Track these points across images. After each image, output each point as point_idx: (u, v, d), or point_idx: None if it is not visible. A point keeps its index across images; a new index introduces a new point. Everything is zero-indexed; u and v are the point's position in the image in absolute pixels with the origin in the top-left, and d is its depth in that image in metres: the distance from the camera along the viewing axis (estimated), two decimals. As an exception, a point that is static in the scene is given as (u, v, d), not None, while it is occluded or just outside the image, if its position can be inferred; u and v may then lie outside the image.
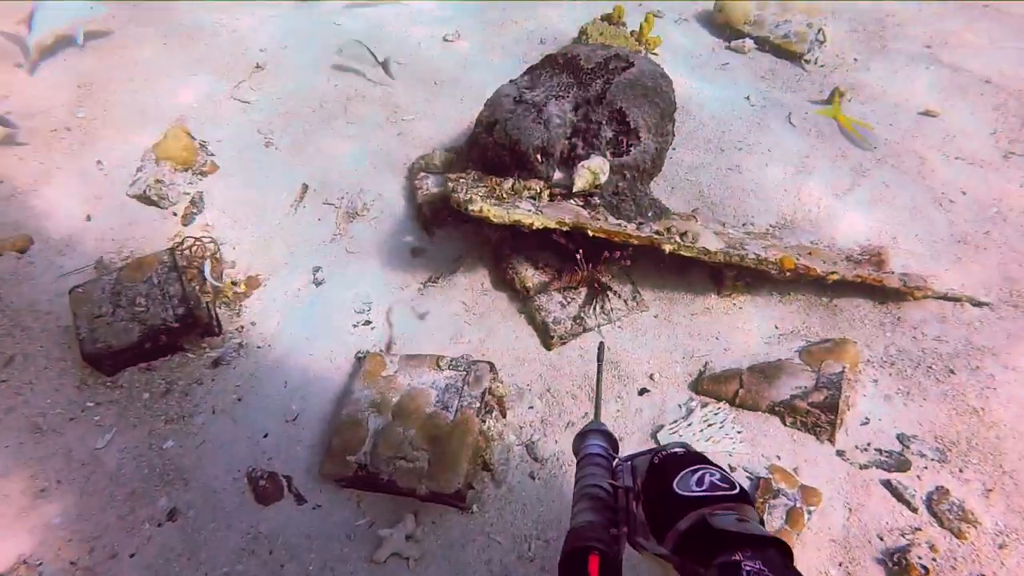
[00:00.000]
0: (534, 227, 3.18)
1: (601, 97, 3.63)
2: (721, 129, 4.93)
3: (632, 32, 5.40)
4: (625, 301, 3.89)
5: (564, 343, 3.76)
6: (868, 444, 3.27)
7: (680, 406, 3.55)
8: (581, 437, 1.93)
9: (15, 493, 3.24)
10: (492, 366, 3.42)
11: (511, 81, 4.10)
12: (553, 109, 3.67)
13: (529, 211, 3.26)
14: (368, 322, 3.92)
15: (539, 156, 3.59)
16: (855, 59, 5.67)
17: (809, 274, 3.67)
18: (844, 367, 3.43)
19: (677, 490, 1.34)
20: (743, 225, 4.40)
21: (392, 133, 5.00)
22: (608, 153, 3.59)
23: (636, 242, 3.39)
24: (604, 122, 3.61)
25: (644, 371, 3.71)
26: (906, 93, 5.26)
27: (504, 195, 3.44)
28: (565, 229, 3.27)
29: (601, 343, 3.10)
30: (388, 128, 5.04)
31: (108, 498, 3.26)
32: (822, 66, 5.61)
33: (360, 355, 3.75)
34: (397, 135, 4.99)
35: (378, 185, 4.65)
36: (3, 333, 3.79)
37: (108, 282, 3.78)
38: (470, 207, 3.13)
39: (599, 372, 2.95)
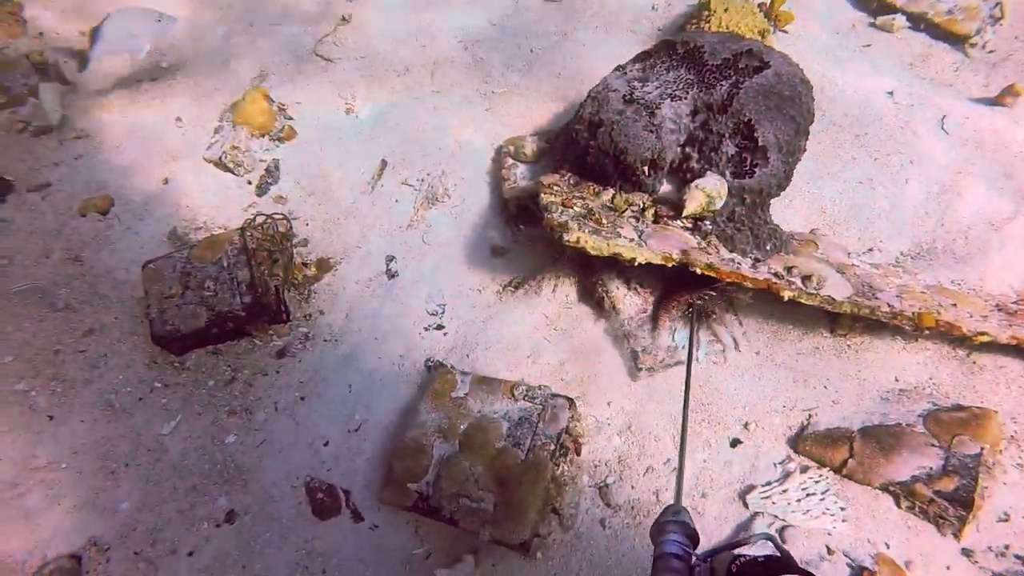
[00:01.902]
0: (636, 262, 2.78)
1: (727, 104, 3.10)
2: (855, 131, 4.25)
3: (760, 4, 4.67)
4: (725, 334, 3.47)
5: (652, 375, 3.41)
6: (1006, 548, 2.80)
7: (776, 465, 3.17)
8: (658, 529, 1.79)
9: (88, 472, 3.25)
10: (572, 402, 3.12)
11: (619, 69, 3.59)
12: (667, 111, 3.17)
13: (631, 242, 2.85)
14: (441, 326, 3.66)
15: (647, 169, 3.13)
16: (1037, 44, 4.73)
17: (952, 333, 3.13)
18: (982, 449, 2.93)
19: None
20: (868, 251, 3.82)
21: (480, 108, 4.57)
22: (727, 172, 3.09)
23: (751, 285, 2.94)
24: (727, 135, 3.09)
25: (738, 417, 3.32)
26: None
27: (602, 212, 3.02)
28: (671, 265, 2.85)
29: (685, 407, 2.72)
30: (476, 101, 4.61)
31: (171, 490, 3.23)
32: (991, 52, 4.72)
33: (430, 363, 3.52)
34: (485, 110, 4.56)
35: (461, 167, 4.29)
36: (83, 301, 3.77)
37: (179, 260, 3.66)
38: (566, 236, 2.75)
39: (683, 442, 2.61)
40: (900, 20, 4.87)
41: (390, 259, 3.94)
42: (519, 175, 3.91)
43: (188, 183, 4.28)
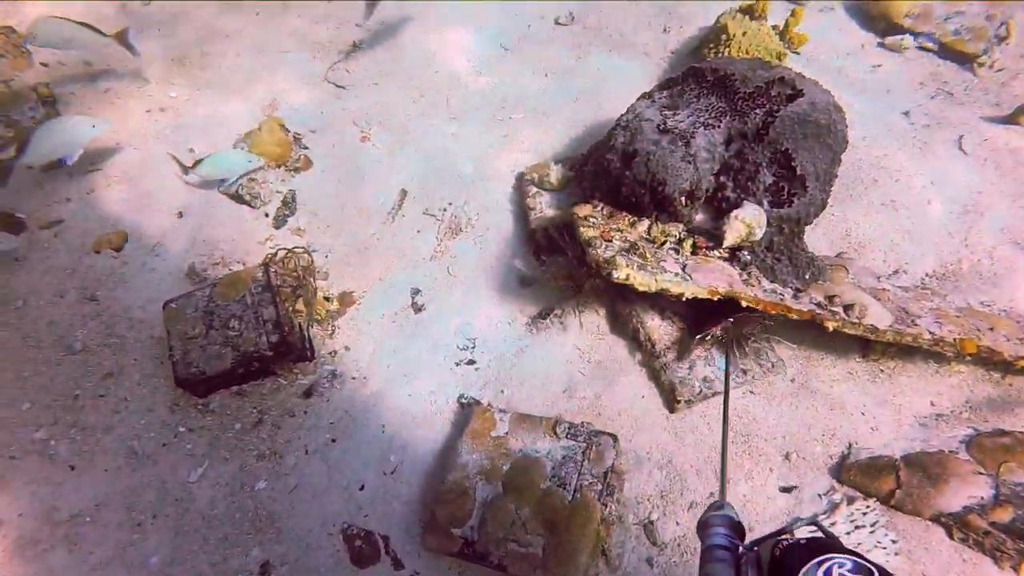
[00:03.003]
0: (684, 297, 2.74)
1: (762, 133, 3.08)
2: (874, 153, 4.27)
3: (774, 26, 4.69)
4: (759, 361, 3.44)
5: (690, 407, 3.36)
6: (1060, 579, 2.79)
7: (821, 496, 3.12)
8: (704, 523, 1.80)
9: (113, 524, 3.13)
10: (616, 439, 3.06)
11: (647, 97, 3.56)
12: (701, 140, 3.15)
13: (676, 276, 2.81)
14: (472, 361, 3.60)
15: (684, 200, 3.10)
16: (1044, 63, 4.80)
17: (993, 359, 3.12)
18: (1030, 476, 2.92)
19: None
20: (894, 273, 3.83)
21: (498, 134, 4.54)
22: (765, 201, 3.07)
23: (796, 317, 2.91)
24: (764, 164, 3.07)
25: (778, 447, 3.29)
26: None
27: (644, 246, 2.98)
28: (716, 299, 2.82)
29: (725, 408, 2.70)
30: (493, 128, 4.58)
31: (201, 541, 3.11)
32: (1000, 71, 4.79)
33: (464, 400, 3.45)
34: (503, 136, 4.53)
35: (483, 195, 4.24)
36: (100, 342, 3.65)
37: (201, 299, 3.55)
38: (615, 274, 2.71)
39: (724, 444, 2.62)
40: (909, 40, 4.92)
41: (415, 292, 3.87)
42: (544, 204, 3.87)
43: (204, 216, 4.18)
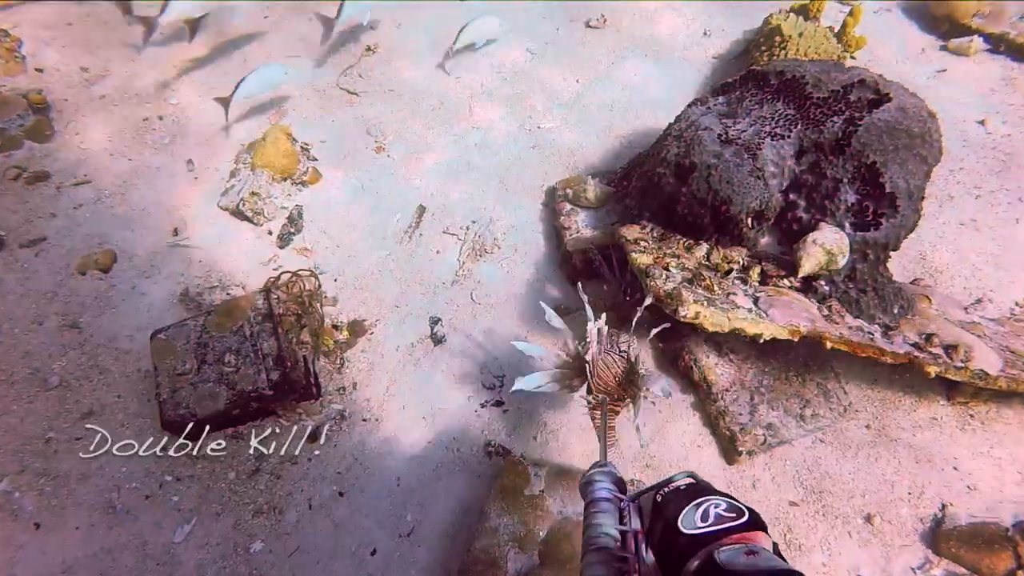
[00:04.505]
0: (761, 339, 2.29)
1: (842, 143, 2.63)
2: (949, 167, 3.81)
3: (830, 27, 4.26)
4: (829, 404, 2.97)
5: (752, 458, 2.90)
6: None
7: (915, 571, 2.64)
8: (587, 481, 1.84)
9: (82, 594, 2.70)
10: (671, 503, 2.59)
11: (701, 103, 3.13)
12: (769, 153, 2.71)
13: (750, 312, 2.36)
14: (500, 403, 3.15)
15: (751, 221, 2.65)
16: None
17: (1121, 410, 2.64)
18: None
19: (682, 528, 1.25)
20: (977, 302, 3.35)
21: (526, 144, 4.12)
22: (847, 223, 2.62)
23: (891, 360, 2.44)
24: (846, 180, 2.62)
25: (858, 507, 2.81)
26: None
27: (711, 277, 2.54)
28: (796, 340, 2.36)
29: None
30: (521, 138, 4.16)
31: (186, 615, 2.68)
32: (1082, 76, 4.32)
33: (491, 448, 3.00)
34: (532, 147, 4.11)
35: (510, 213, 3.82)
36: (81, 376, 3.25)
37: (194, 329, 3.15)
38: (681, 311, 2.26)
39: (603, 410, 2.42)
40: (978, 42, 4.47)
41: (435, 321, 3.44)
42: (581, 223, 3.44)
43: (201, 233, 3.78)
